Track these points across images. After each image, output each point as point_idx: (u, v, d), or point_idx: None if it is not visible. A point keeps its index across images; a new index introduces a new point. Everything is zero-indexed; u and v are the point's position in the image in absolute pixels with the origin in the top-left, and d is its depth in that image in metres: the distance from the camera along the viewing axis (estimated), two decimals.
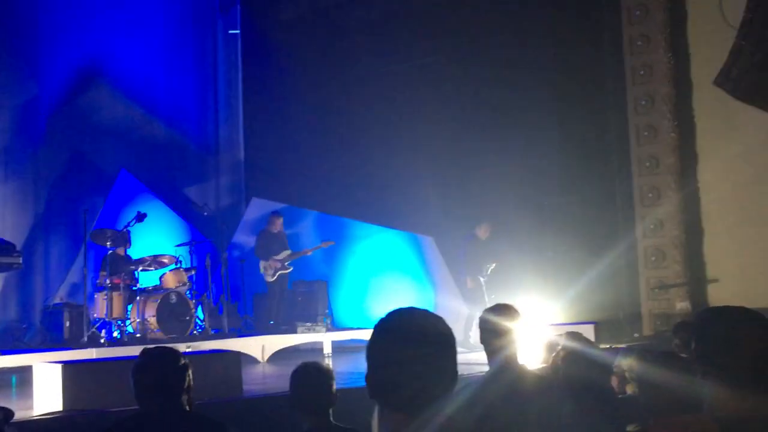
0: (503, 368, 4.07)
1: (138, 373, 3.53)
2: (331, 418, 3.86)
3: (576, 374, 3.50)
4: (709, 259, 11.72)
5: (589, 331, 9.95)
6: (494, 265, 11.70)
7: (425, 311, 2.08)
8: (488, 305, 4.41)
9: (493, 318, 4.17)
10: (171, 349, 3.68)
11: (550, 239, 12.12)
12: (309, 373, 3.90)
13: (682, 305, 11.63)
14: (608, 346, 9.26)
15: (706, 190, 11.81)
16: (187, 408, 3.60)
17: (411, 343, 1.99)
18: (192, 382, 3.63)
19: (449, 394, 2.01)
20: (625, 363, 4.99)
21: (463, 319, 11.64)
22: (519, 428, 3.57)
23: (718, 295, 11.39)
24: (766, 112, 10.86)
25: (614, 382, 4.77)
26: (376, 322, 2.08)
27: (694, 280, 11.66)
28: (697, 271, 11.70)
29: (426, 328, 2.03)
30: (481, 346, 4.23)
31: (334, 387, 3.91)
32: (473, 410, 3.40)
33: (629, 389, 4.96)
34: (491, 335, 4.13)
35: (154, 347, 3.71)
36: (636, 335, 11.68)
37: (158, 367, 3.52)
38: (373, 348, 2.04)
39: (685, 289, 11.61)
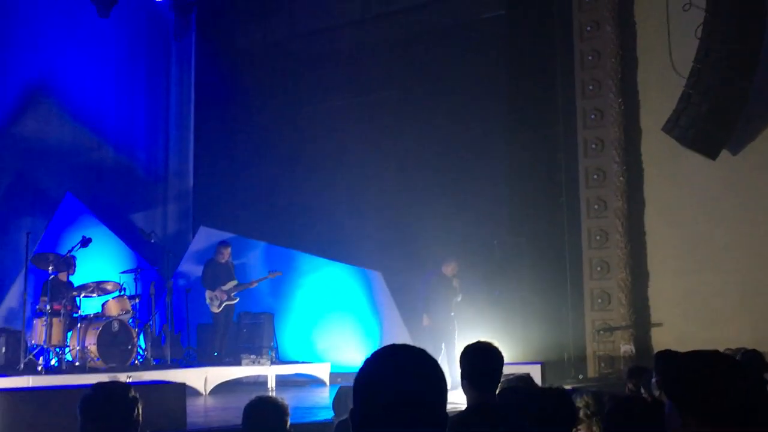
0: (483, 405, 4.01)
1: (86, 405, 3.40)
2: None
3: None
4: (653, 302, 11.86)
5: (536, 372, 9.96)
6: (460, 297, 11.71)
7: (420, 350, 2.00)
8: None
9: (480, 358, 4.09)
10: (121, 382, 3.57)
11: (498, 278, 12.16)
12: (265, 409, 3.80)
13: (626, 348, 11.73)
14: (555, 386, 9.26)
15: (651, 234, 11.98)
16: None
17: (403, 382, 1.90)
18: (140, 417, 3.52)
19: None
20: (581, 401, 4.98)
21: None
22: None
23: (661, 339, 11.52)
24: (711, 161, 11.09)
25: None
26: (367, 356, 2.00)
27: (639, 324, 11.78)
28: (641, 315, 11.82)
29: (421, 367, 1.95)
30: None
31: (289, 423, 3.82)
32: None
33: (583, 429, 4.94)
34: (474, 373, 4.05)
35: (106, 381, 3.59)
36: (581, 377, 11.74)
37: (107, 401, 3.40)
38: (362, 383, 1.96)
39: (629, 332, 11.72)
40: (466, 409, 4.02)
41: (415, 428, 1.89)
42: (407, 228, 12.83)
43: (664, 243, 11.81)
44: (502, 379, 5.13)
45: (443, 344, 11.23)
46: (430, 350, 2.04)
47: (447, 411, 1.97)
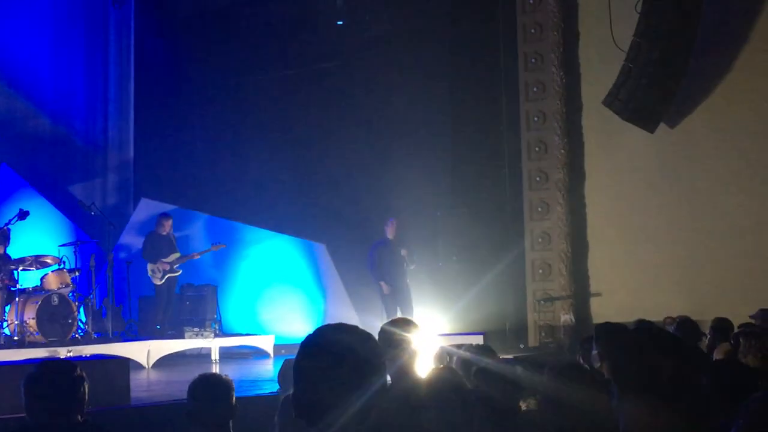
0: (398, 378, 4.10)
1: (31, 384, 3.37)
2: (231, 430, 3.77)
3: (489, 391, 3.53)
4: (592, 273, 12.09)
5: (477, 342, 10.08)
6: (414, 266, 11.69)
7: (354, 328, 2.02)
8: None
9: (390, 329, 4.22)
10: (67, 361, 3.54)
11: (440, 250, 12.26)
12: (209, 386, 3.78)
13: (565, 318, 11.96)
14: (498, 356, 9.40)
15: (591, 205, 12.19)
16: (80, 418, 3.49)
17: (339, 364, 1.93)
18: (86, 396, 3.51)
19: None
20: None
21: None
22: None
23: (601, 309, 11.77)
24: (650, 134, 11.30)
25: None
26: (303, 339, 2.01)
27: (578, 294, 12.00)
28: (581, 285, 12.04)
29: (356, 347, 1.97)
30: None
31: (234, 399, 3.82)
32: (365, 419, 3.39)
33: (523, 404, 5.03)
34: (388, 345, 4.17)
35: (51, 360, 3.56)
36: (521, 346, 11.94)
37: (53, 380, 3.37)
38: (299, 368, 1.97)
39: (569, 302, 11.94)
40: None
41: (343, 378, 1.92)
42: (351, 200, 12.85)
43: (604, 215, 12.03)
44: (461, 349, 5.26)
45: (399, 311, 11.19)
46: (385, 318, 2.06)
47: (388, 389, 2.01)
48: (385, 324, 4.35)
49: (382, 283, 11.59)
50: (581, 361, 5.81)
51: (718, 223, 11.26)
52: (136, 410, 6.66)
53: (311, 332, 2.02)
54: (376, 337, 4.17)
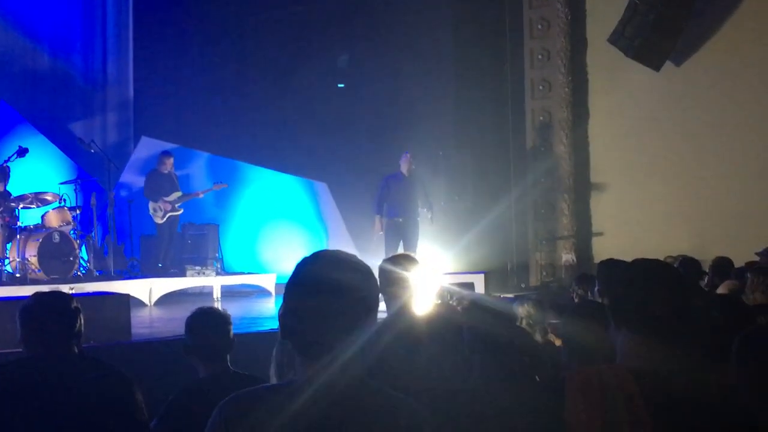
0: (398, 315, 4.07)
1: (27, 315, 3.34)
2: (229, 364, 3.77)
3: (482, 326, 3.51)
4: (595, 212, 12.06)
5: (479, 281, 10.14)
6: (430, 215, 11.26)
7: (350, 256, 1.98)
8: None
9: (391, 267, 4.16)
10: (62, 292, 3.51)
11: (443, 189, 12.20)
12: (207, 318, 3.77)
13: (567, 257, 11.96)
14: (498, 295, 9.44)
15: (595, 145, 12.10)
16: (76, 350, 3.47)
17: (326, 291, 1.89)
18: (82, 328, 3.48)
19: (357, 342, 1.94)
20: (523, 310, 5.06)
21: None
22: (409, 372, 3.58)
23: (602, 249, 11.75)
24: (655, 72, 11.15)
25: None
26: (298, 261, 1.97)
27: (580, 233, 11.99)
28: (583, 225, 12.02)
29: (349, 264, 1.94)
30: None
31: (232, 332, 3.81)
32: (366, 355, 3.38)
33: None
34: (388, 283, 4.12)
35: (46, 291, 3.52)
36: (522, 285, 11.97)
37: (49, 311, 3.34)
38: (289, 289, 1.94)
39: (571, 241, 11.93)
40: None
41: (344, 318, 1.89)
42: (353, 140, 12.76)
43: (607, 154, 11.94)
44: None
45: (401, 245, 10.97)
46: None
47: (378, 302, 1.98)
48: (385, 261, 4.29)
49: (377, 218, 11.17)
50: (579, 298, 5.82)
51: (722, 163, 11.18)
52: (136, 345, 6.69)
53: (306, 260, 1.96)
54: (376, 273, 4.15)
